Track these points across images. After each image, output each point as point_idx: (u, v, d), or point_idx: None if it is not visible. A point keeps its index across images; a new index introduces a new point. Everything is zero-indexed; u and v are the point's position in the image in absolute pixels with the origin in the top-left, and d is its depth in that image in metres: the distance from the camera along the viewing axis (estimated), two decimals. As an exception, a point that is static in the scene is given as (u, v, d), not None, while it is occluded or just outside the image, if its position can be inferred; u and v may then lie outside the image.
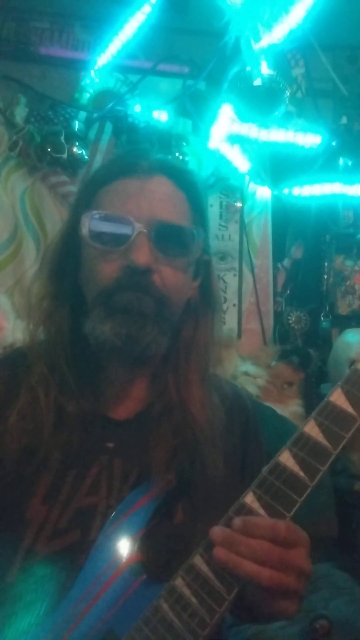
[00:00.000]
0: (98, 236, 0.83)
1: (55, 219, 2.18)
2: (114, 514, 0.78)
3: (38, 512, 0.78)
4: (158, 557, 0.77)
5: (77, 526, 0.78)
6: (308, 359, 2.20)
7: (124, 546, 0.75)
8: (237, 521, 0.66)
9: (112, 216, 0.82)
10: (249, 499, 0.69)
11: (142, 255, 0.79)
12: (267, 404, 1.95)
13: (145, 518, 0.78)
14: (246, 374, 2.11)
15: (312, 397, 2.20)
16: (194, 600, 0.65)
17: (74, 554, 0.75)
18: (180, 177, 0.89)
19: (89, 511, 0.79)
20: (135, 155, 0.90)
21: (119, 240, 0.81)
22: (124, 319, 0.79)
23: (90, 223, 0.83)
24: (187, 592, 0.66)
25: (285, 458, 0.70)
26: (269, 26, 2.01)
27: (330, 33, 2.26)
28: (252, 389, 2.07)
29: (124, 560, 0.74)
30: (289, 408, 2.12)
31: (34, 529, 0.77)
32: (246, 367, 2.14)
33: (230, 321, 2.30)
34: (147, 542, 0.77)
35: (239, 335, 2.32)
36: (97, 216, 0.83)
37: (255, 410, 1.01)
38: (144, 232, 0.80)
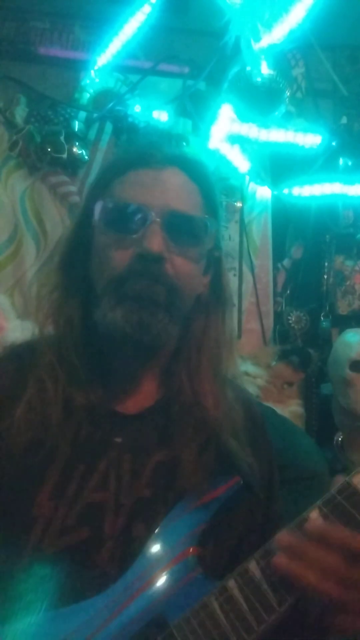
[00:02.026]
0: (111, 224, 0.83)
1: (55, 219, 2.17)
2: (175, 507, 0.78)
3: (45, 508, 0.77)
4: (215, 554, 0.77)
5: (86, 523, 0.77)
6: (308, 359, 2.20)
7: (183, 539, 0.76)
8: (315, 527, 0.64)
9: (126, 204, 0.83)
10: (314, 515, 0.67)
11: (155, 243, 0.80)
12: (267, 404, 1.95)
13: (208, 514, 0.78)
14: (246, 374, 2.11)
15: (312, 397, 2.20)
16: (243, 604, 0.65)
17: (84, 552, 0.75)
18: (194, 170, 0.90)
19: (98, 508, 0.78)
20: (149, 147, 0.92)
21: (131, 228, 0.82)
22: (135, 306, 0.80)
23: (104, 211, 0.84)
24: (238, 595, 0.66)
25: (358, 480, 0.67)
26: (269, 26, 2.00)
27: (330, 33, 2.26)
28: (252, 389, 2.07)
29: (180, 552, 0.75)
30: (289, 408, 2.12)
31: (41, 525, 0.76)
32: (246, 367, 2.13)
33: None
34: (207, 538, 0.77)
35: (239, 335, 2.31)
36: (110, 204, 0.84)
37: (262, 414, 1.00)
38: (157, 221, 0.81)
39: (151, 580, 0.72)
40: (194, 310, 0.90)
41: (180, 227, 0.83)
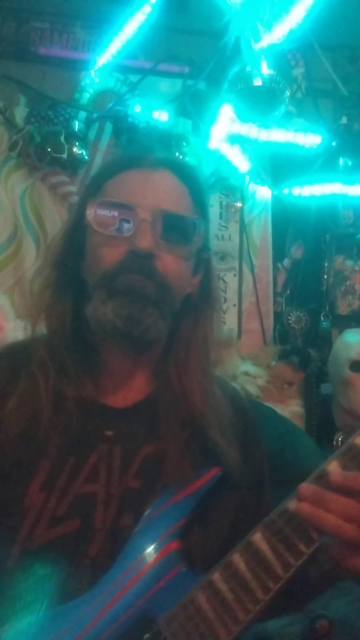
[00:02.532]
0: (103, 223, 0.86)
1: (55, 219, 2.18)
2: (157, 499, 0.79)
3: (36, 499, 0.78)
4: (198, 548, 0.78)
5: (77, 514, 0.78)
6: (308, 359, 2.20)
7: (165, 533, 0.76)
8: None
9: (118, 204, 0.86)
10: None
11: (146, 241, 0.82)
12: (267, 404, 1.95)
13: (188, 508, 0.79)
14: (246, 374, 2.11)
15: (312, 397, 2.20)
16: (229, 596, 0.66)
17: (74, 543, 0.76)
18: (184, 174, 0.93)
19: (88, 499, 0.79)
20: (141, 151, 0.95)
21: (123, 227, 0.84)
22: (125, 301, 0.82)
23: (96, 210, 0.86)
24: (223, 587, 0.67)
25: (333, 467, 0.69)
26: (269, 26, 2.01)
27: (330, 33, 2.27)
28: (252, 389, 2.07)
29: (163, 547, 0.75)
30: (289, 408, 2.12)
31: (31, 516, 0.77)
32: (246, 367, 2.14)
33: (230, 321, 2.30)
34: (188, 532, 0.78)
35: (239, 335, 2.32)
36: (103, 203, 0.86)
37: (253, 411, 1.01)
38: (148, 220, 0.83)
39: (137, 577, 0.73)
40: (183, 310, 0.92)
41: (170, 226, 0.85)
